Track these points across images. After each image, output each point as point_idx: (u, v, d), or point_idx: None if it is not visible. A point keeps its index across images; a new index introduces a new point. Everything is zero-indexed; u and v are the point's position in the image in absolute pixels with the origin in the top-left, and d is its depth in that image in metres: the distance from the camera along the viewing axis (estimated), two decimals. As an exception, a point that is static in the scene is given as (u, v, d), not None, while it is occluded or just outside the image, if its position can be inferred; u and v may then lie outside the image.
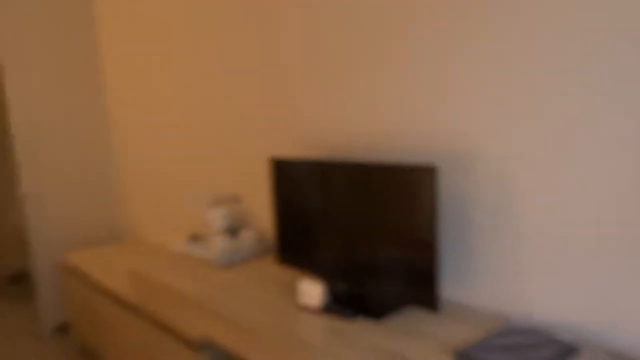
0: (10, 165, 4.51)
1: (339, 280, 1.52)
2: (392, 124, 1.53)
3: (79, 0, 3.21)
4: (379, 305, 1.40)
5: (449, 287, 1.46)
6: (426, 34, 1.40)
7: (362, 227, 1.42)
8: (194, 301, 1.58)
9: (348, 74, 1.65)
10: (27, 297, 4.05)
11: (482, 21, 1.27)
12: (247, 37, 2.05)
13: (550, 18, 1.14)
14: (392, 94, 1.52)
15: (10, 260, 4.59)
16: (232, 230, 2.12)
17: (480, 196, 1.34)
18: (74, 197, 3.29)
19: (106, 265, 2.68)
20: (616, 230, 1.09)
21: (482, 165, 1.32)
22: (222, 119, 2.29)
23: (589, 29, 1.08)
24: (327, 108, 1.76)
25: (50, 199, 3.19)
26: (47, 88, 3.13)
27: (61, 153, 3.22)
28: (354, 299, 1.44)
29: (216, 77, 2.27)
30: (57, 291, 3.25)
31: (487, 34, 1.26)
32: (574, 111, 1.12)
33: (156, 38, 2.68)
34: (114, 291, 2.28)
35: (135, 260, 2.75)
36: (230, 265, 1.92)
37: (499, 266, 1.32)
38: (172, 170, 2.77)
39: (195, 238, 2.27)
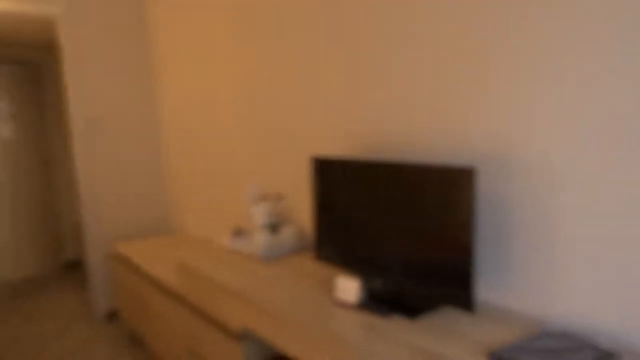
0: (69, 169, 4.81)
1: (375, 278, 1.54)
2: (431, 124, 1.54)
3: (134, 6, 3.39)
4: (414, 304, 1.42)
5: (486, 289, 1.45)
6: (465, 33, 1.40)
7: (399, 226, 1.44)
8: (236, 293, 1.65)
9: (387, 75, 1.67)
10: (83, 285, 4.31)
11: (522, 16, 1.26)
12: (290, 40, 2.11)
13: (603, 13, 1.12)
14: (431, 94, 1.53)
15: (68, 251, 4.89)
16: (274, 227, 2.18)
17: (519, 198, 1.33)
18: (126, 194, 3.48)
19: (153, 256, 2.82)
20: (662, 237, 1.06)
21: (522, 167, 1.31)
22: (268, 120, 2.36)
23: None
24: (367, 109, 1.78)
25: (104, 196, 3.38)
26: (103, 91, 3.33)
27: (115, 153, 3.41)
28: (390, 297, 1.46)
29: (261, 79, 2.35)
30: (108, 280, 3.44)
31: (528, 30, 1.25)
32: (617, 112, 1.10)
33: (204, 41, 2.79)
34: (160, 281, 2.39)
35: (181, 252, 2.88)
36: (270, 260, 1.99)
37: (536, 269, 1.31)
38: (219, 168, 2.88)
39: (239, 233, 2.35)
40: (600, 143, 1.15)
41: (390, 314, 1.36)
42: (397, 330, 1.27)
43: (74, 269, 4.83)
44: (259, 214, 2.18)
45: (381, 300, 1.44)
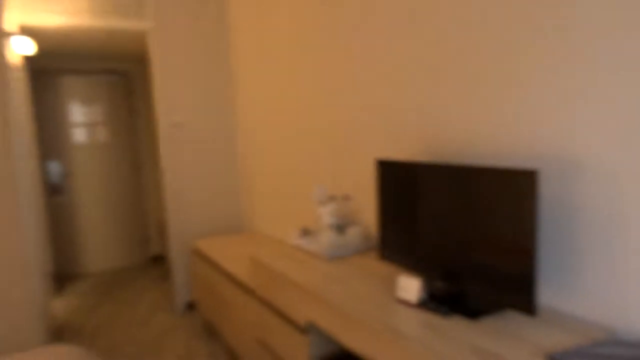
0: (156, 171, 5.22)
1: (437, 278, 1.56)
2: (494, 126, 1.54)
3: (215, 21, 3.64)
4: (475, 305, 1.42)
5: (550, 294, 1.42)
6: (532, 36, 1.38)
7: (461, 228, 1.45)
8: (302, 288, 1.74)
9: (450, 79, 1.69)
10: (166, 277, 4.66)
11: (587, 14, 1.23)
12: (357, 45, 2.18)
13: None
14: (493, 97, 1.53)
15: (153, 246, 5.31)
16: (340, 227, 2.25)
17: (583, 201, 1.29)
18: (205, 194, 3.73)
19: (228, 252, 3.00)
20: None
21: (591, 172, 1.28)
22: (335, 124, 2.45)
23: None
24: (430, 112, 1.80)
25: (186, 196, 3.65)
26: (187, 99, 3.60)
27: (196, 157, 3.67)
28: (450, 298, 1.48)
29: (329, 85, 2.44)
30: (187, 273, 3.71)
31: (593, 31, 1.22)
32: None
33: (275, 51, 2.94)
34: (233, 275, 2.56)
35: (253, 249, 3.04)
36: (336, 259, 2.06)
37: (604, 276, 1.26)
38: (288, 170, 3.01)
39: (306, 232, 2.45)
40: (677, 145, 1.09)
41: (450, 314, 1.38)
42: (457, 330, 1.29)
43: (158, 262, 5.23)
44: (326, 215, 2.26)
45: (442, 301, 1.46)
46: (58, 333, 3.37)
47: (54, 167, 4.76)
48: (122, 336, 3.27)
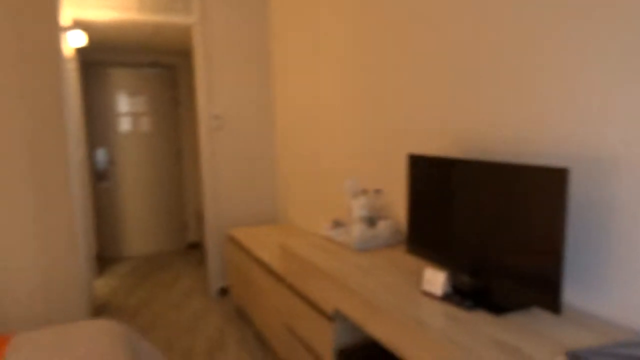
0: (195, 162, 5.39)
1: (463, 272, 1.58)
2: (525, 124, 1.53)
3: (256, 16, 3.72)
4: (500, 301, 1.43)
5: (576, 293, 1.41)
6: (561, 32, 1.37)
7: (490, 224, 1.46)
8: (331, 277, 1.80)
9: (482, 76, 1.69)
10: (201, 263, 4.83)
11: (615, 15, 1.21)
12: (392, 43, 2.20)
13: None
14: (525, 95, 1.52)
15: (191, 233, 5.50)
16: (371, 220, 2.29)
17: (613, 202, 1.28)
18: (241, 185, 3.84)
19: (260, 241, 3.09)
20: None
21: (622, 171, 1.26)
22: (368, 119, 2.48)
23: None
24: (462, 109, 1.81)
25: (223, 187, 3.77)
26: (227, 91, 3.71)
27: (233, 149, 3.78)
28: (475, 293, 1.49)
29: (361, 82, 2.47)
30: (222, 260, 3.83)
31: (625, 32, 1.21)
32: None
33: (312, 47, 2.99)
34: (264, 262, 2.64)
35: (284, 238, 3.12)
36: (365, 251, 2.10)
37: (630, 278, 1.25)
38: (322, 164, 3.06)
39: (337, 224, 2.50)
40: None
41: (474, 309, 1.40)
42: (480, 324, 1.30)
43: (195, 249, 5.42)
44: (357, 207, 2.30)
45: (466, 295, 1.48)
46: (99, 311, 3.57)
47: (100, 155, 5.00)
48: (158, 317, 3.42)
